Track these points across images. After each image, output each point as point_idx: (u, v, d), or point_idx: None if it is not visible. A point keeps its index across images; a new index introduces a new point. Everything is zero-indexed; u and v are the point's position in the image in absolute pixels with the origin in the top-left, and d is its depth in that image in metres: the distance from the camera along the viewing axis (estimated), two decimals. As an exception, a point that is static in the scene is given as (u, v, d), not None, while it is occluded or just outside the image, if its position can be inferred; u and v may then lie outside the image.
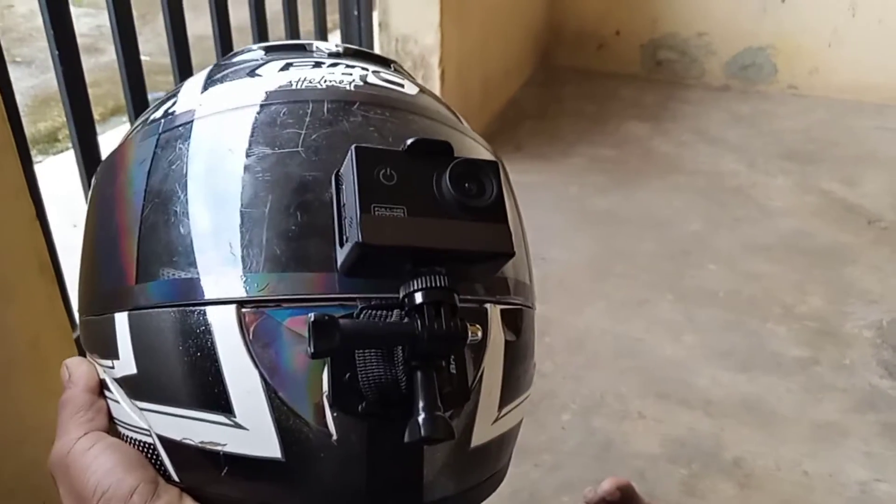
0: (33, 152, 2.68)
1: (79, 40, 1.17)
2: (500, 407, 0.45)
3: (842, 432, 1.54)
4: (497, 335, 0.45)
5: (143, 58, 1.37)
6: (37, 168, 1.14)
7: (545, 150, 2.68)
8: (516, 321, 0.47)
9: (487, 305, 0.44)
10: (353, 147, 0.38)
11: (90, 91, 1.22)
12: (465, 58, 2.57)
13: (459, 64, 2.50)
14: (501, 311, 0.45)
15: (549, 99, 3.21)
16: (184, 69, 1.43)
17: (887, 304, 1.94)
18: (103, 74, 3.12)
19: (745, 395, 1.63)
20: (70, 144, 1.27)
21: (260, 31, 1.72)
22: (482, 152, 0.51)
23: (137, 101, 1.32)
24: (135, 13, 1.30)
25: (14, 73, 1.09)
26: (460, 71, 2.52)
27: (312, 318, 0.35)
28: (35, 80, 3.39)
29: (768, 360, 1.74)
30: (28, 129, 2.71)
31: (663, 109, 3.14)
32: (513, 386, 0.47)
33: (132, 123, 1.32)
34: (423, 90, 0.53)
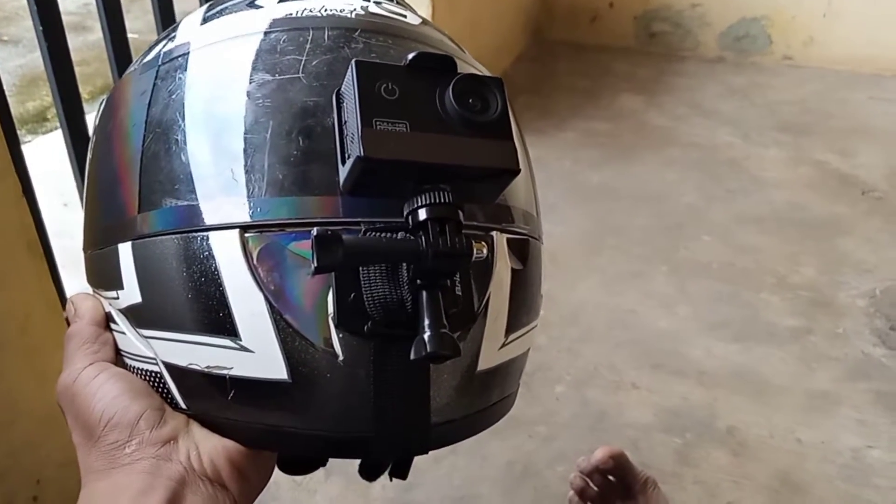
0: (22, 132, 2.67)
1: (66, 18, 1.16)
2: (507, 333, 0.45)
3: (835, 401, 1.55)
4: (503, 262, 0.45)
5: (131, 35, 1.35)
6: (26, 148, 1.13)
7: (538, 124, 2.67)
8: (522, 250, 0.47)
9: (493, 233, 0.44)
10: (353, 61, 0.37)
11: (78, 70, 1.20)
12: (456, 33, 2.53)
13: (451, 39, 2.47)
14: (508, 239, 0.45)
15: (541, 74, 3.19)
16: (171, 46, 1.41)
17: (880, 273, 1.95)
18: (92, 53, 3.09)
19: (739, 365, 1.63)
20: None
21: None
22: None
23: (125, 78, 1.30)
24: (121, -10, 1.29)
25: (1, 53, 1.08)
26: (452, 46, 2.50)
27: (315, 233, 0.35)
28: (23, 60, 3.36)
29: (762, 330, 1.74)
30: (16, 109, 2.70)
31: (657, 82, 3.12)
32: (519, 313, 0.47)
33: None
34: (425, 21, 0.52)
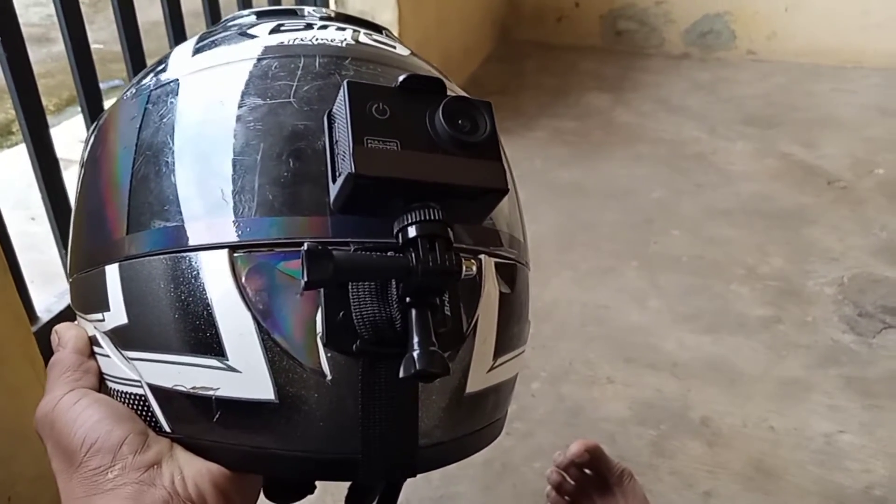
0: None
1: (30, 30, 1.15)
2: (495, 356, 0.46)
3: (806, 387, 1.57)
4: (491, 285, 0.45)
5: (96, 46, 1.35)
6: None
7: (507, 124, 2.68)
8: (510, 274, 0.48)
9: (482, 256, 0.44)
10: (345, 82, 0.38)
11: (43, 81, 1.20)
12: (423, 35, 2.56)
13: (418, 42, 2.48)
14: (496, 263, 0.46)
15: (509, 74, 3.21)
16: (135, 57, 1.41)
17: (847, 261, 1.98)
18: (56, 65, 3.06)
19: (711, 356, 1.65)
20: (23, 136, 1.24)
21: (213, 14, 1.70)
22: None
23: (89, 90, 1.29)
24: (86, 1, 1.28)
25: (-41, 65, 1.07)
26: (419, 48, 2.46)
27: (306, 247, 0.35)
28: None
29: (733, 320, 1.77)
30: (-20, 124, 2.65)
31: (624, 80, 3.15)
32: (507, 337, 0.47)
33: (84, 114, 1.31)
34: (413, 53, 0.53)
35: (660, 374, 1.60)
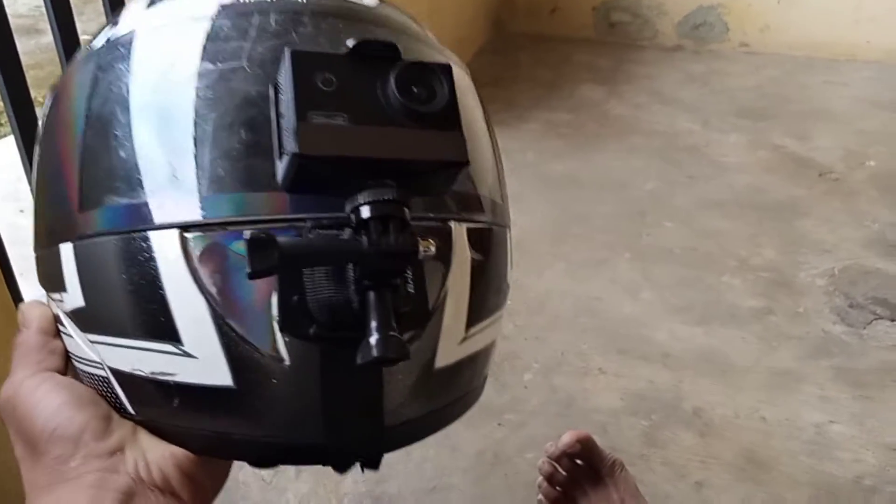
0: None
1: (18, 21, 1.14)
2: (468, 327, 0.44)
3: (797, 378, 1.58)
4: (462, 254, 0.43)
5: (85, 37, 1.34)
6: (-23, 152, 1.12)
7: (501, 116, 2.68)
8: (484, 240, 0.45)
9: (452, 223, 0.42)
10: (287, 51, 0.35)
11: (32, 73, 1.18)
12: (416, 27, 2.55)
13: (411, 33, 2.47)
14: (468, 229, 0.43)
15: (503, 66, 3.20)
16: (125, 46, 1.40)
17: (839, 253, 1.99)
18: (45, 56, 3.03)
19: (703, 347, 1.66)
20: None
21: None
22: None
23: (78, 80, 1.28)
24: (73, -8, 1.27)
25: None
26: (412, 40, 2.50)
27: (248, 236, 0.33)
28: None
29: (725, 312, 1.77)
30: (-31, 116, 2.63)
31: (618, 72, 3.15)
32: (481, 305, 0.45)
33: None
34: (384, 2, 0.49)
35: (652, 365, 1.60)
